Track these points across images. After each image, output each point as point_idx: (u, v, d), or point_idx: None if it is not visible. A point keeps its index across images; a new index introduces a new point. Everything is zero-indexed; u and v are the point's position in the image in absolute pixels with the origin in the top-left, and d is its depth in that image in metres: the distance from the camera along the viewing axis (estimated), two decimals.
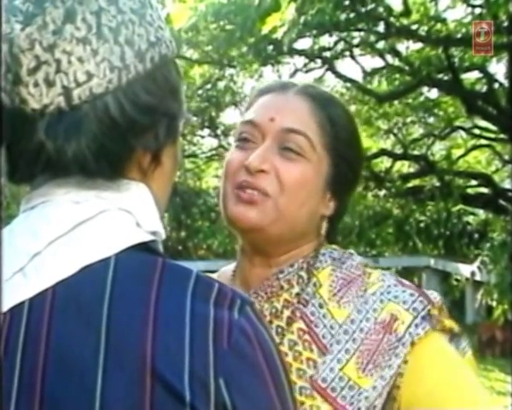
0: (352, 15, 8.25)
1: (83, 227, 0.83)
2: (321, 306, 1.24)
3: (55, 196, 0.84)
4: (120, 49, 0.82)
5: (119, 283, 0.80)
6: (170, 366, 0.76)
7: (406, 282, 1.25)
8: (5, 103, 0.81)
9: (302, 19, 5.20)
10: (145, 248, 0.84)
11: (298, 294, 1.26)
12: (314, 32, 8.71)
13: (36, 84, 0.80)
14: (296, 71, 11.13)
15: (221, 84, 11.93)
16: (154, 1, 0.88)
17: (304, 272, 1.29)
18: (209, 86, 11.91)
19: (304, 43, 10.21)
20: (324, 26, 7.58)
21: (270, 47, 9.11)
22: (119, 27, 0.82)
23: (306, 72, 11.15)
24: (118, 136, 0.82)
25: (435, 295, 1.24)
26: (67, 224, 0.83)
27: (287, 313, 1.25)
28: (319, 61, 10.83)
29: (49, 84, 0.80)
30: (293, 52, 10.04)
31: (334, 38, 10.01)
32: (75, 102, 0.80)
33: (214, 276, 1.39)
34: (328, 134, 1.29)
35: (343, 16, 8.16)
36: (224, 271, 1.41)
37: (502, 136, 10.63)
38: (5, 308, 0.80)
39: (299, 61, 11.04)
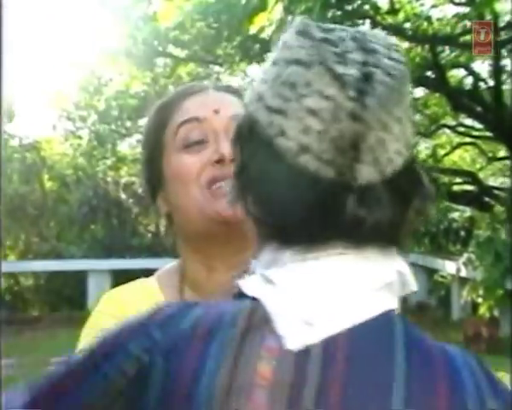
0: (338, 13, 8.26)
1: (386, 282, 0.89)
2: None
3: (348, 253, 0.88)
4: (405, 138, 0.88)
5: (407, 341, 0.85)
6: None
7: None
8: (325, 175, 0.85)
9: (289, 18, 5.21)
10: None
11: None
12: None
13: (365, 162, 0.85)
14: None
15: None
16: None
17: None
18: None
19: None
20: None
21: (257, 46, 9.11)
22: (408, 121, 0.89)
23: None
24: (405, 209, 0.89)
25: None
26: (380, 279, 0.88)
27: None
28: None
29: (376, 162, 0.85)
30: None
31: None
32: (384, 178, 0.86)
33: (154, 279, 1.38)
34: None
35: (329, 14, 8.18)
36: (166, 276, 1.38)
37: (487, 134, 10.69)
38: (300, 343, 0.83)
39: None
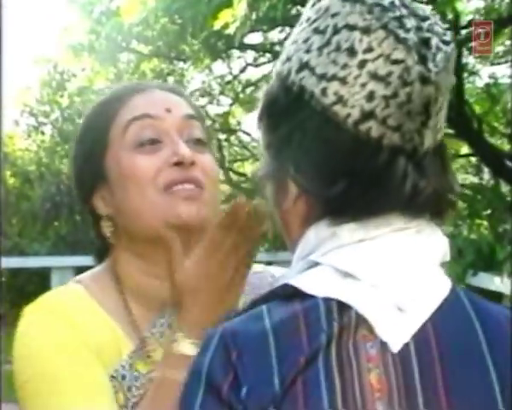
0: (302, 10, 8.24)
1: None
2: None
3: (409, 227, 0.87)
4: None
5: (478, 315, 0.85)
6: None
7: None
8: (389, 141, 0.83)
9: (254, 14, 5.22)
10: None
11: None
12: (265, 27, 8.72)
13: (430, 127, 0.85)
14: (247, 65, 11.13)
15: (171, 79, 11.88)
16: None
17: None
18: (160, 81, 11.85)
19: (254, 38, 10.23)
20: (276, 21, 7.60)
21: (221, 42, 9.09)
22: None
23: (256, 66, 11.16)
24: (448, 179, 0.90)
25: None
26: (436, 253, 0.88)
27: None
28: (269, 56, 10.84)
29: (434, 127, 0.86)
30: (244, 47, 10.04)
31: (285, 33, 10.03)
32: (435, 145, 0.87)
33: (76, 285, 1.30)
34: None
35: (293, 11, 8.18)
36: (91, 281, 1.31)
37: (449, 131, 10.78)
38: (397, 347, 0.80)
39: (250, 55, 11.04)
